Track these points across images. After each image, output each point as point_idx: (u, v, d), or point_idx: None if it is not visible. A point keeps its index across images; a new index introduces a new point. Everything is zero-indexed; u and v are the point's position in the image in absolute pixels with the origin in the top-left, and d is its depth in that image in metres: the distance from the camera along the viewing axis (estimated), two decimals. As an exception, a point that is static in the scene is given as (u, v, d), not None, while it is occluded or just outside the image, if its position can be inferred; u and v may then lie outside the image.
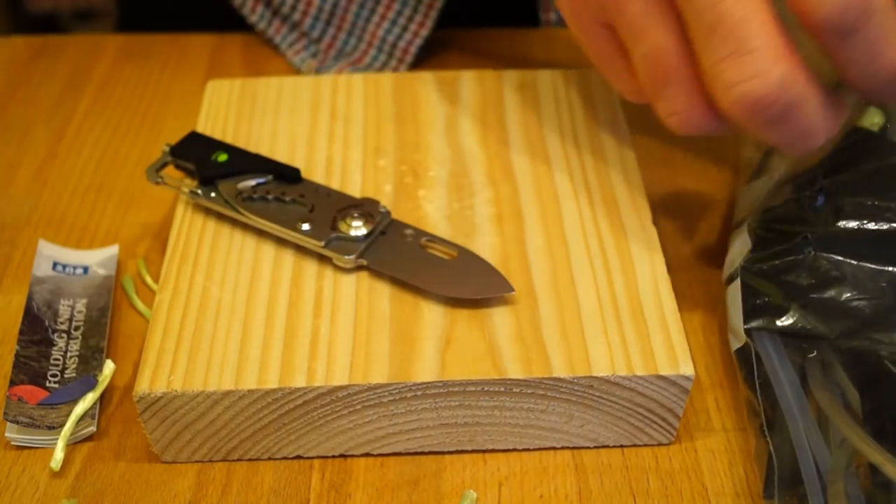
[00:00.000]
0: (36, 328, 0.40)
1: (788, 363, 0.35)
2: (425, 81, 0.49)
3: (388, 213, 0.40)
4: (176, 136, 0.43)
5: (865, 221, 0.36)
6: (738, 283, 0.37)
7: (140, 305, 0.43)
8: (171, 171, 0.43)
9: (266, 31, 0.58)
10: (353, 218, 0.39)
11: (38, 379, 0.38)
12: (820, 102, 0.31)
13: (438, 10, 0.54)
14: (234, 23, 0.59)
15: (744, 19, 0.30)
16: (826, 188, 0.37)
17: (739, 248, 0.39)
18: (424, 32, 0.55)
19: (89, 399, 0.37)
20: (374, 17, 0.56)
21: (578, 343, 0.35)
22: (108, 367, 0.38)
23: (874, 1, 0.29)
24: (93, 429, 0.38)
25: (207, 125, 0.46)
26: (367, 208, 0.40)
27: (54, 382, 0.38)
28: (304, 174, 0.42)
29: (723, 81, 0.31)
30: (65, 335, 0.41)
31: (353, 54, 0.57)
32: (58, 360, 0.39)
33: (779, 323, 0.35)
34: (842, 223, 0.36)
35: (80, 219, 0.48)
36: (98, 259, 0.45)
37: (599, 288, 0.37)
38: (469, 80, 0.49)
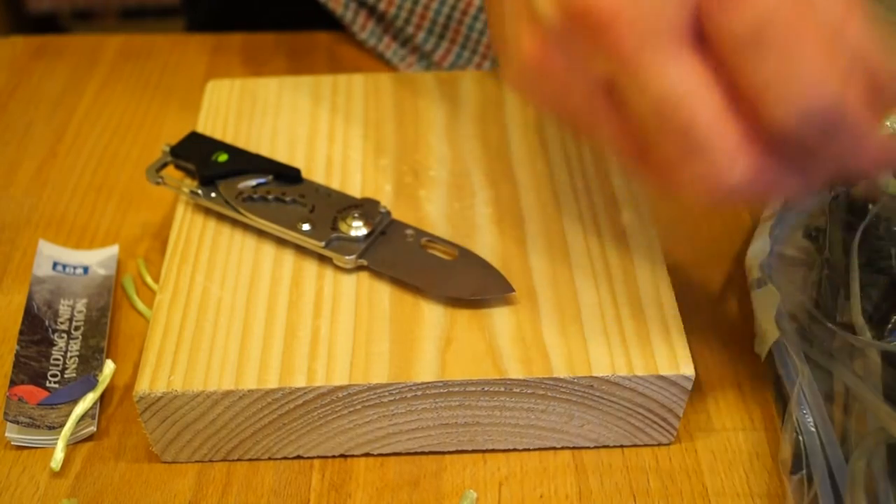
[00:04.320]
0: (36, 328, 0.40)
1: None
2: (425, 81, 0.49)
3: (389, 213, 0.40)
4: (176, 136, 0.43)
5: None
6: (768, 288, 0.38)
7: (140, 305, 0.43)
8: (171, 171, 0.43)
9: (376, 46, 0.58)
10: (354, 218, 0.39)
11: (39, 379, 0.38)
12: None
13: None
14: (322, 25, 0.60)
15: (692, 119, 0.26)
16: None
17: (761, 246, 0.40)
18: None
19: (89, 399, 0.37)
20: (488, 31, 0.55)
21: (578, 343, 0.35)
22: (108, 367, 0.38)
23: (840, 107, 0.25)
24: (93, 429, 0.38)
25: (207, 125, 0.46)
26: (367, 208, 0.40)
27: (54, 382, 0.38)
28: (304, 174, 0.42)
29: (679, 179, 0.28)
30: (65, 335, 0.41)
31: (467, 66, 0.57)
32: (58, 360, 0.39)
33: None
34: None
35: (80, 219, 0.48)
36: (98, 259, 0.45)
37: (599, 288, 0.37)
38: (469, 80, 0.49)
